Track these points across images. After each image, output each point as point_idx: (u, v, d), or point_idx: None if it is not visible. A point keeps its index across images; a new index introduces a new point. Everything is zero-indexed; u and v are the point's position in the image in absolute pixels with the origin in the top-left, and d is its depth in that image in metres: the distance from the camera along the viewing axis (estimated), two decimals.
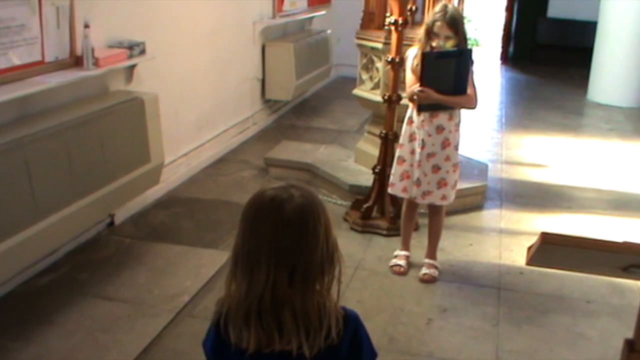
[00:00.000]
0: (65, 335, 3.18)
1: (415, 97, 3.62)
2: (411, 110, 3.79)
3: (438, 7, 3.65)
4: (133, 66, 4.32)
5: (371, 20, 5.02)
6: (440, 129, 3.70)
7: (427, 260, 3.92)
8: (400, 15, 4.12)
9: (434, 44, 3.59)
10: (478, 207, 4.95)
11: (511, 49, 11.89)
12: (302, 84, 7.21)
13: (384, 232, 4.39)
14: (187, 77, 5.27)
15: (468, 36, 3.84)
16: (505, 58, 11.70)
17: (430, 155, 3.72)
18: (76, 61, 3.78)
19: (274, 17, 6.90)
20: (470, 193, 4.87)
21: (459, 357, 3.19)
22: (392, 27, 4.17)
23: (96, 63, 3.80)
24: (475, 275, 3.96)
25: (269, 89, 6.91)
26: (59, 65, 3.68)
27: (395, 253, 4.02)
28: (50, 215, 3.38)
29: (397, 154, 3.91)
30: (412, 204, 3.93)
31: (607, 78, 8.67)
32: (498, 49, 11.91)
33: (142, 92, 4.30)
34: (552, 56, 11.21)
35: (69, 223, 3.56)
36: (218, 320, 1.62)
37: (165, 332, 3.27)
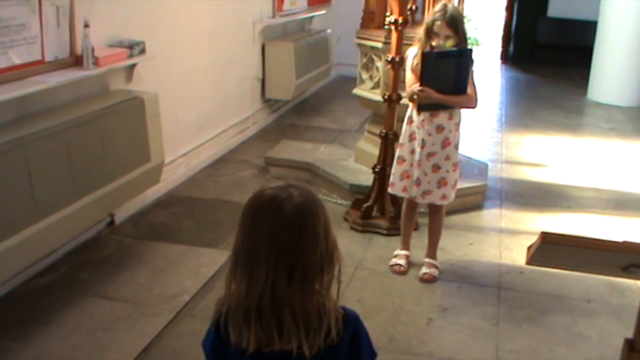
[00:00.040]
0: (66, 335, 3.18)
1: (415, 96, 3.62)
2: (411, 110, 3.79)
3: (438, 7, 3.65)
4: (133, 65, 4.32)
5: (371, 19, 5.02)
6: (440, 128, 3.70)
7: (427, 260, 3.92)
8: (400, 14, 4.12)
9: (433, 44, 3.59)
10: (478, 207, 4.95)
11: (511, 48, 11.89)
12: (302, 83, 7.21)
13: (384, 232, 4.39)
14: (187, 76, 5.27)
15: (468, 35, 3.84)
16: (506, 57, 11.70)
17: (430, 154, 3.72)
18: (76, 60, 3.78)
19: (274, 16, 6.90)
20: (470, 192, 4.87)
21: (459, 356, 3.20)
22: (392, 27, 4.17)
23: (96, 62, 3.80)
24: (475, 275, 3.96)
25: (269, 88, 6.91)
26: (59, 65, 3.68)
27: (396, 252, 4.03)
28: (50, 215, 3.38)
29: (397, 153, 3.91)
30: (412, 204, 3.93)
31: (607, 77, 8.67)
32: (498, 49, 11.91)
33: (142, 91, 4.30)
34: (552, 56, 11.21)
35: (69, 222, 3.56)
36: (218, 320, 1.62)
37: (166, 331, 3.27)
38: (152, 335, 3.21)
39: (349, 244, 4.20)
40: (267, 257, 1.52)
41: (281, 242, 1.52)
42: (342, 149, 5.71)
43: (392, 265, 3.96)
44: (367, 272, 3.93)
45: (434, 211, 3.92)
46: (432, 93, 3.57)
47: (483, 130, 7.16)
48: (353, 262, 3.99)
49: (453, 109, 3.71)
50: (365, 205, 4.47)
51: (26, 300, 3.48)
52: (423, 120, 3.70)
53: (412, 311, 3.55)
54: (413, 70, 3.70)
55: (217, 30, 5.72)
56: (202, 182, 5.27)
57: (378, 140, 4.50)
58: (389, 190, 4.00)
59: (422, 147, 3.71)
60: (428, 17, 3.70)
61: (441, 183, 3.76)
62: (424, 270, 3.88)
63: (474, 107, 3.74)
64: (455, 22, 3.56)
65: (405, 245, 4.03)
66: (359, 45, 5.06)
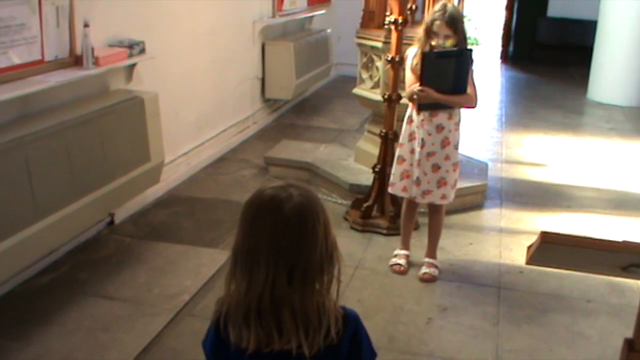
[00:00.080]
0: (66, 335, 3.18)
1: (415, 96, 3.62)
2: (411, 110, 3.79)
3: (437, 6, 3.65)
4: (133, 65, 4.32)
5: (371, 19, 5.02)
6: (440, 128, 3.70)
7: (427, 260, 3.92)
8: (400, 14, 4.12)
9: (433, 43, 3.59)
10: (478, 206, 4.95)
11: (511, 48, 11.89)
12: (302, 83, 7.21)
13: (384, 231, 4.39)
14: (187, 76, 5.27)
15: (468, 35, 3.84)
16: (505, 57, 11.70)
17: (430, 154, 3.72)
18: (76, 60, 3.78)
19: (273, 16, 6.90)
20: (470, 192, 4.87)
21: (459, 356, 3.20)
22: (392, 26, 4.17)
23: (96, 62, 3.80)
24: (475, 275, 3.96)
25: (269, 88, 6.91)
26: (59, 65, 3.69)
27: (395, 252, 4.03)
28: (50, 215, 3.38)
29: (397, 153, 3.91)
30: (412, 203, 3.93)
31: (607, 77, 8.67)
32: (498, 48, 11.91)
33: (142, 91, 4.30)
34: (552, 55, 11.21)
35: (69, 222, 3.56)
36: (218, 319, 1.62)
37: (166, 331, 3.27)
38: (152, 335, 3.21)
39: (348, 244, 4.20)
40: (267, 256, 1.52)
41: (281, 241, 1.53)
42: (342, 149, 5.72)
43: (392, 265, 3.96)
44: (367, 272, 3.93)
45: (434, 211, 3.92)
46: (432, 93, 3.57)
47: (483, 129, 7.16)
48: (353, 261, 3.99)
49: (453, 108, 3.71)
50: (365, 205, 4.47)
51: (26, 300, 3.48)
52: (423, 120, 3.70)
53: (412, 311, 3.55)
54: (412, 70, 3.70)
55: (217, 30, 5.72)
56: (203, 182, 5.28)
57: (378, 140, 4.50)
58: (389, 190, 4.00)
59: (422, 146, 3.71)
60: (427, 17, 3.70)
61: (441, 183, 3.76)
62: (424, 270, 3.88)
63: (473, 107, 3.74)
64: (454, 22, 3.56)
65: (405, 245, 4.04)
66: (359, 44, 5.06)
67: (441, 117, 3.69)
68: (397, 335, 3.32)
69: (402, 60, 4.07)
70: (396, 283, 3.83)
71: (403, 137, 3.84)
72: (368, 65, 5.02)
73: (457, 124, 3.76)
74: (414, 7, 4.33)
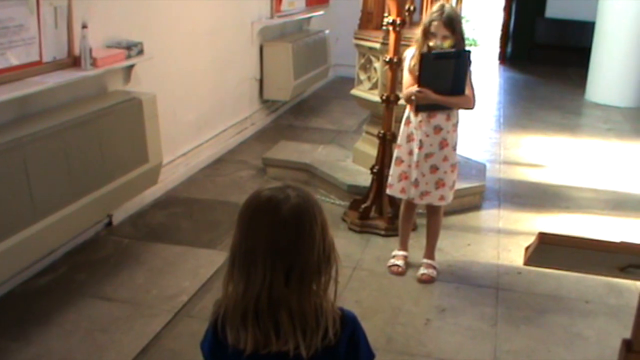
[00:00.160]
0: (64, 336, 3.18)
1: (413, 97, 3.62)
2: (409, 111, 3.79)
3: (435, 7, 3.65)
4: (131, 66, 4.32)
5: (369, 20, 5.02)
6: (438, 129, 3.70)
7: (425, 261, 3.92)
8: (398, 15, 4.12)
9: (431, 44, 3.59)
10: (476, 207, 4.95)
11: (509, 49, 11.90)
12: (300, 84, 7.21)
13: (382, 232, 4.39)
14: (185, 77, 5.27)
15: (466, 36, 3.84)
16: (504, 58, 11.71)
17: (428, 155, 3.72)
18: (74, 61, 3.78)
19: (272, 17, 6.90)
20: (468, 193, 4.88)
21: (457, 357, 3.20)
22: (390, 27, 4.18)
23: (94, 63, 3.80)
24: (473, 276, 3.97)
25: (267, 89, 6.91)
26: (57, 66, 3.68)
27: (394, 253, 4.03)
28: (48, 216, 3.38)
29: (395, 154, 3.91)
30: (410, 204, 3.93)
31: (605, 78, 8.67)
32: (496, 49, 11.92)
33: (140, 92, 4.29)
34: (550, 56, 11.21)
35: (68, 223, 3.56)
36: (215, 321, 1.62)
37: (164, 332, 3.27)
38: (150, 336, 3.21)
39: (347, 245, 4.20)
40: (265, 258, 1.53)
41: (278, 243, 1.53)
42: (340, 150, 5.72)
43: (390, 266, 3.96)
44: (365, 273, 3.93)
45: (432, 212, 3.92)
46: (430, 94, 3.57)
47: (481, 130, 7.17)
48: (351, 262, 3.99)
49: (451, 109, 3.71)
50: (363, 206, 4.47)
51: (25, 301, 3.48)
52: (421, 121, 3.70)
53: (410, 312, 3.55)
54: (410, 71, 3.70)
55: (215, 31, 5.72)
56: (201, 183, 5.27)
57: (376, 141, 4.51)
58: (387, 191, 4.00)
59: (420, 147, 3.71)
60: (425, 18, 3.71)
61: (439, 184, 3.77)
62: (422, 271, 3.88)
63: (471, 108, 3.74)
64: (452, 22, 3.56)
65: (403, 246, 4.04)
66: (357, 46, 5.06)
67: (439, 118, 3.69)
68: (395, 336, 3.32)
69: (400, 62, 4.08)
70: (394, 284, 3.83)
71: (401, 139, 3.84)
72: (366, 67, 5.02)
73: (455, 125, 3.76)
74: (412, 8, 4.33)
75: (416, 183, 3.77)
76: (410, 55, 3.74)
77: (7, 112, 3.42)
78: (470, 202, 4.93)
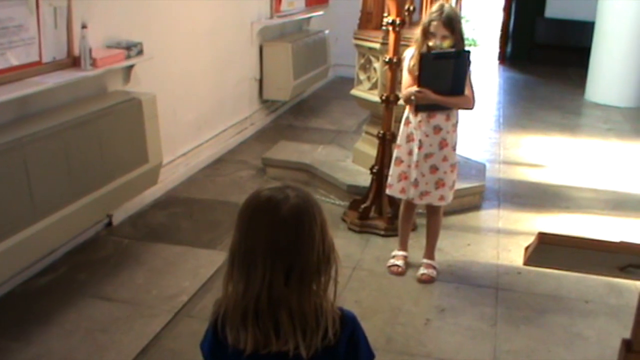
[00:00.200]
0: (64, 336, 3.18)
1: (412, 97, 3.62)
2: (408, 111, 3.79)
3: (434, 7, 3.65)
4: (131, 66, 4.32)
5: (369, 20, 5.02)
6: (437, 129, 3.70)
7: (425, 261, 3.92)
8: (397, 15, 4.12)
9: (430, 44, 3.59)
10: (476, 207, 4.95)
11: (509, 48, 11.89)
12: (299, 84, 7.21)
13: (382, 233, 4.39)
14: (185, 77, 5.27)
15: (466, 36, 3.84)
16: (503, 58, 11.70)
17: (427, 155, 3.72)
18: (74, 61, 3.78)
19: (271, 17, 6.90)
20: (468, 193, 4.88)
21: (457, 357, 3.20)
22: (390, 27, 4.18)
23: (94, 63, 3.80)
24: (473, 276, 3.97)
25: (267, 89, 6.91)
26: (57, 66, 3.68)
27: (393, 253, 4.03)
28: (48, 216, 3.39)
29: (394, 154, 3.91)
30: (410, 205, 3.93)
31: (605, 78, 8.67)
32: (496, 49, 11.91)
33: (140, 92, 4.30)
34: (550, 56, 11.21)
35: (68, 223, 3.56)
36: (215, 321, 1.62)
37: (164, 332, 3.27)
38: (150, 336, 3.21)
39: (346, 245, 4.20)
40: (264, 258, 1.53)
41: (278, 243, 1.53)
42: (339, 150, 5.72)
43: (389, 266, 3.96)
44: (364, 273, 3.93)
45: (432, 212, 3.92)
46: (429, 94, 3.57)
47: (481, 130, 7.16)
48: (351, 262, 3.99)
49: (450, 109, 3.71)
50: (363, 206, 4.47)
51: (25, 301, 3.48)
52: (420, 121, 3.70)
53: (410, 312, 3.55)
54: (410, 72, 3.70)
55: (215, 31, 5.72)
56: (201, 183, 5.28)
57: (376, 141, 4.51)
58: (387, 191, 4.00)
59: (420, 148, 3.71)
60: (425, 18, 3.71)
61: (439, 184, 3.77)
62: (422, 271, 3.88)
63: (471, 109, 3.75)
64: (451, 22, 3.56)
65: (403, 246, 4.04)
66: (357, 46, 5.06)
67: (439, 119, 3.69)
68: (395, 336, 3.32)
69: (399, 62, 4.08)
70: (394, 284, 3.83)
71: (400, 139, 3.85)
72: (366, 67, 5.02)
73: (455, 125, 3.76)
74: (411, 8, 4.33)
75: (416, 183, 3.77)
76: (409, 56, 3.74)
77: (7, 112, 3.42)
78: (470, 202, 4.93)
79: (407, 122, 3.79)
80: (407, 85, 3.71)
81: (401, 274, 3.92)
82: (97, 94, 4.10)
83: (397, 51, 4.15)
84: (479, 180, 5.12)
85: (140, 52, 4.25)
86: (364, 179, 4.73)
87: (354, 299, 3.59)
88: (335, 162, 5.35)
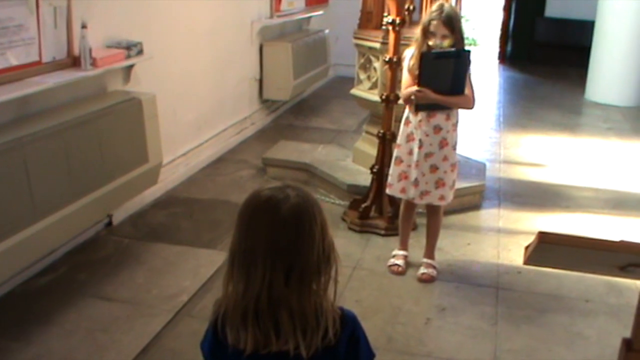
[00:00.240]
0: (64, 335, 3.18)
1: (412, 97, 3.62)
2: (408, 111, 3.79)
3: (434, 6, 3.64)
4: (131, 66, 4.32)
5: (369, 20, 5.02)
6: (437, 128, 3.70)
7: (425, 260, 3.92)
8: (397, 14, 4.12)
9: (430, 43, 3.59)
10: (476, 207, 4.95)
11: (509, 48, 11.88)
12: (300, 83, 7.21)
13: (382, 232, 4.39)
14: (185, 77, 5.27)
15: (466, 35, 3.83)
16: (503, 57, 11.70)
17: (428, 155, 3.72)
18: (74, 61, 3.78)
19: (271, 16, 6.90)
20: (468, 192, 4.88)
21: (458, 356, 3.20)
22: (390, 27, 4.18)
23: (94, 63, 3.80)
24: (473, 275, 3.97)
25: (267, 88, 6.91)
26: (57, 66, 3.68)
27: (394, 253, 4.03)
28: (48, 216, 3.39)
29: (394, 154, 3.91)
30: (410, 204, 3.93)
31: (605, 77, 8.67)
32: (496, 49, 11.91)
33: (140, 92, 4.30)
34: (550, 55, 11.20)
35: (68, 223, 3.56)
36: (215, 321, 1.62)
37: (164, 332, 3.27)
38: (151, 336, 3.21)
39: (347, 245, 4.20)
40: (264, 257, 1.53)
41: (278, 242, 1.53)
42: (340, 150, 5.72)
43: (390, 266, 3.96)
44: (365, 273, 3.93)
45: (432, 211, 3.92)
46: (429, 93, 3.57)
47: (481, 130, 7.16)
48: (351, 262, 3.99)
49: (450, 109, 3.71)
50: (363, 205, 4.47)
51: (26, 301, 3.48)
52: (420, 121, 3.70)
53: (411, 311, 3.55)
54: (410, 71, 3.70)
55: (215, 31, 5.72)
56: (201, 182, 5.27)
57: (376, 141, 4.51)
58: (387, 191, 4.00)
59: (420, 147, 3.71)
60: (425, 17, 3.70)
61: (439, 184, 3.77)
62: (422, 270, 3.88)
63: (471, 108, 3.74)
64: (451, 22, 3.56)
65: (403, 246, 4.04)
66: (357, 45, 5.06)
67: (439, 118, 3.69)
68: (396, 335, 3.32)
69: (399, 61, 4.07)
70: (394, 283, 3.83)
71: (401, 138, 3.84)
72: (366, 66, 5.02)
73: (455, 124, 3.76)
74: (411, 7, 4.33)
75: (416, 183, 3.77)
76: (409, 55, 3.74)
77: (7, 112, 3.42)
78: (470, 201, 4.93)
79: (407, 121, 3.79)
80: (407, 84, 3.70)
81: (401, 273, 3.92)
82: (97, 93, 4.10)
83: (397, 51, 4.15)
84: (479, 180, 5.12)
85: (140, 52, 4.25)
86: (364, 178, 4.73)
87: (355, 299, 3.59)
88: (336, 161, 5.35)
